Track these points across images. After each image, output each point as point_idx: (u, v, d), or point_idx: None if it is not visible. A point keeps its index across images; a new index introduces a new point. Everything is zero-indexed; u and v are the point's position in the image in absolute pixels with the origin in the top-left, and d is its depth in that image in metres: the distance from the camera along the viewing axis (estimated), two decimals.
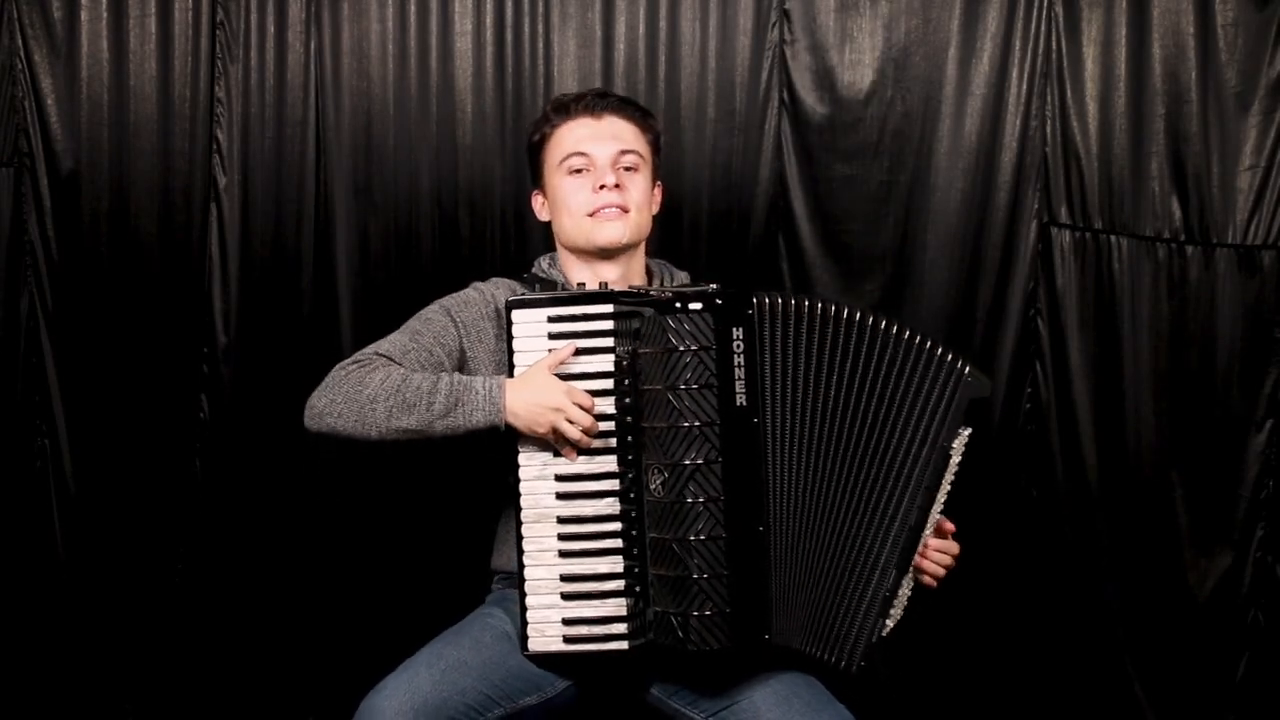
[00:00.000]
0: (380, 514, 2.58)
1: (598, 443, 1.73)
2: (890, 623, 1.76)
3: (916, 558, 1.78)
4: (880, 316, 1.74)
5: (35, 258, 2.54)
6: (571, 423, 1.71)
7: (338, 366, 1.84)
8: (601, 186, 1.89)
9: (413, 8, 2.53)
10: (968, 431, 1.79)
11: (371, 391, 1.76)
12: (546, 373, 1.73)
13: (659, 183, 2.03)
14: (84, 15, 2.51)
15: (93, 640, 2.60)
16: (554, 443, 1.74)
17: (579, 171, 1.92)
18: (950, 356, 1.74)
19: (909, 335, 1.73)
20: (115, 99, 2.52)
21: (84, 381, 2.57)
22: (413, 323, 1.91)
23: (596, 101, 1.94)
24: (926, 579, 1.84)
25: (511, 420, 1.74)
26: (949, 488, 1.79)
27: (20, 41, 2.50)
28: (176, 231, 2.55)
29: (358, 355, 1.85)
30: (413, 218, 2.56)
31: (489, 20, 2.53)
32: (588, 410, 1.72)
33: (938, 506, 1.78)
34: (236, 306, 2.56)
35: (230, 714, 2.60)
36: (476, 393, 1.75)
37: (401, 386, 1.76)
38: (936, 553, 1.83)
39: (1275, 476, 2.53)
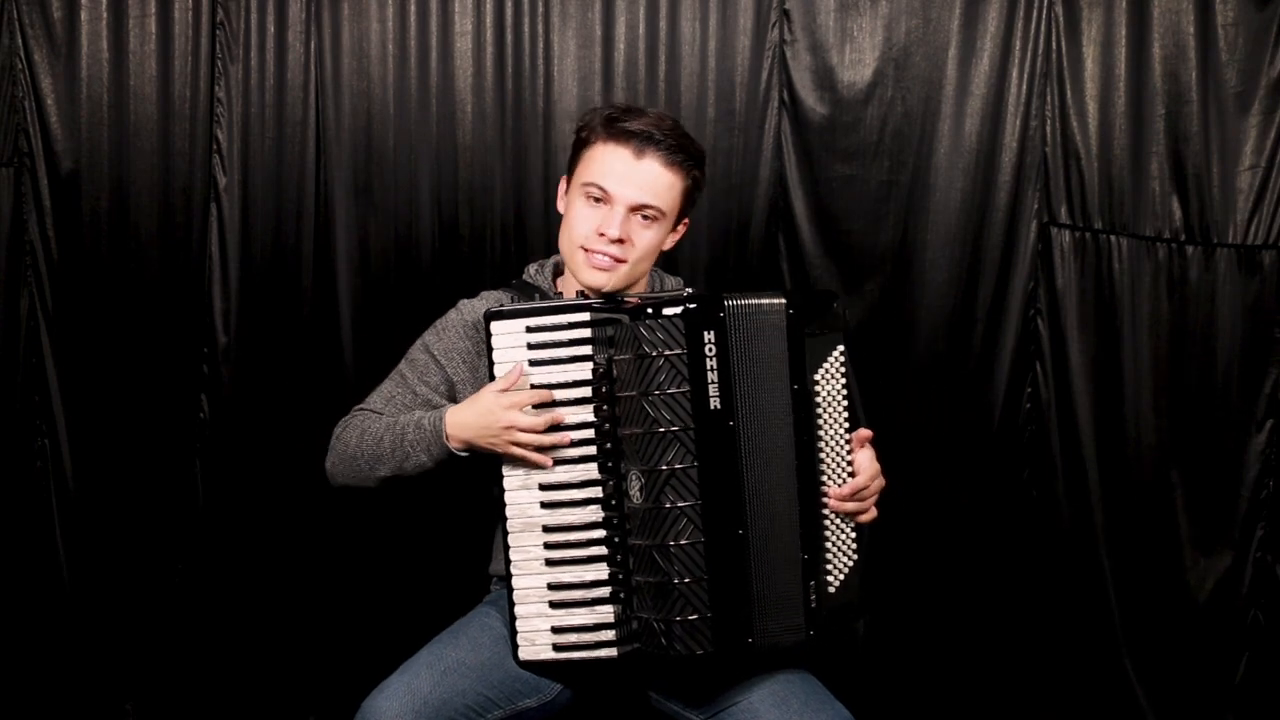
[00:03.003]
0: (380, 515, 2.58)
1: (579, 451, 1.73)
2: (833, 579, 1.72)
3: (832, 503, 1.72)
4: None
5: (35, 258, 2.54)
6: (520, 445, 1.71)
7: (336, 425, 1.91)
8: (603, 234, 1.81)
9: (413, 8, 2.53)
10: (838, 350, 1.73)
11: (352, 450, 1.86)
12: (492, 394, 1.73)
13: (685, 219, 1.92)
14: (84, 15, 2.50)
15: (93, 640, 2.60)
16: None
17: (596, 200, 1.83)
18: (771, 300, 1.68)
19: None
20: (115, 99, 2.52)
21: (84, 381, 2.57)
22: (400, 366, 1.95)
23: (645, 137, 1.80)
24: (861, 517, 1.75)
25: (465, 446, 1.77)
26: (845, 414, 1.73)
27: (20, 41, 2.50)
28: (176, 231, 2.55)
29: (348, 415, 1.92)
30: (413, 217, 2.56)
31: (489, 20, 2.53)
32: (536, 429, 1.71)
33: (836, 446, 1.73)
34: (236, 306, 2.56)
35: (230, 714, 2.60)
36: (424, 429, 1.78)
37: (367, 439, 1.84)
38: (848, 488, 1.72)
39: (1275, 476, 2.53)
